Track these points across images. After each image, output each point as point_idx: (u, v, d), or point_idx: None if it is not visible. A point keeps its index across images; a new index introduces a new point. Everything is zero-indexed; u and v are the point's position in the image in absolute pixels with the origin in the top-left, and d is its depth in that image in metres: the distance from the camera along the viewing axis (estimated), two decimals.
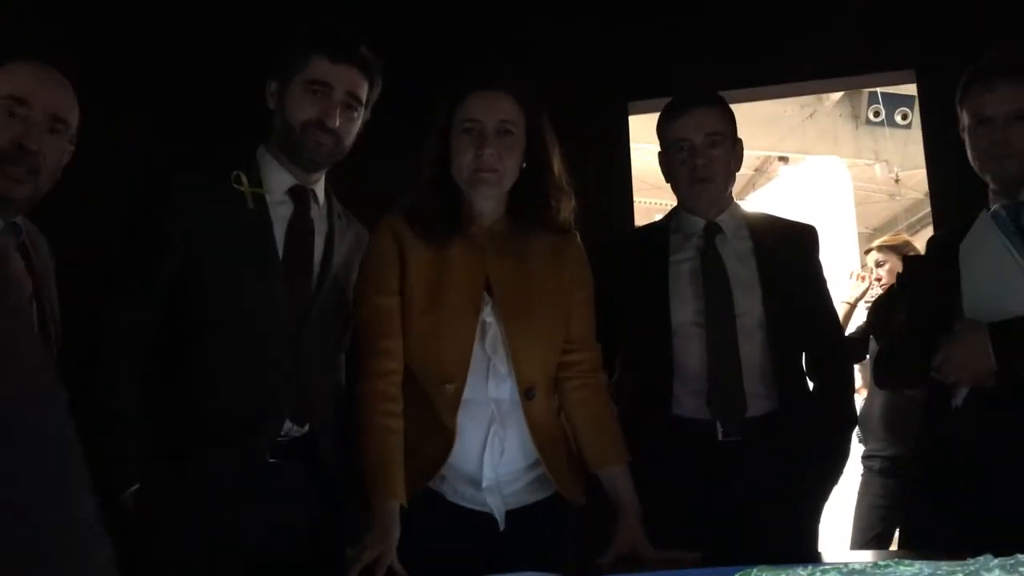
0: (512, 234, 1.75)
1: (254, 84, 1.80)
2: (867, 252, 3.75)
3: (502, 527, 1.70)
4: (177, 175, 1.69)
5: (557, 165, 1.76)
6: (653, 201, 7.69)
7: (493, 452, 1.69)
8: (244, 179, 1.69)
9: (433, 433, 1.67)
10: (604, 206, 3.22)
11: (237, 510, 1.57)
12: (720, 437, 1.88)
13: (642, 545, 1.66)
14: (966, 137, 1.87)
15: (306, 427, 1.66)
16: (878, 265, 3.58)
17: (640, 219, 3.76)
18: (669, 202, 2.06)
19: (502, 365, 1.70)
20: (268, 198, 1.71)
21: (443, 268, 1.70)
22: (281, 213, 1.71)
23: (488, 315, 1.70)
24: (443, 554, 1.59)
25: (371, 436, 1.62)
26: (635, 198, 3.58)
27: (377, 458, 1.60)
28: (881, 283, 3.55)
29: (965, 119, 1.87)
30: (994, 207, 1.82)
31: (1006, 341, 1.63)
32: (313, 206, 1.76)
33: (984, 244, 1.77)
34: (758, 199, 7.68)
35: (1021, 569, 1.06)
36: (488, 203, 1.75)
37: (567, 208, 1.77)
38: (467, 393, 1.67)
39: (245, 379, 1.61)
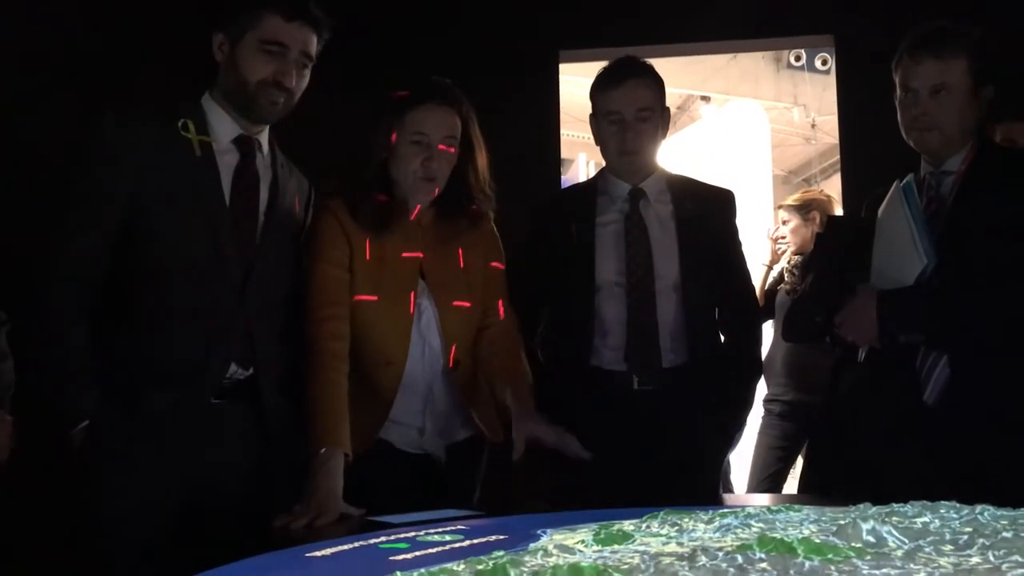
0: (439, 222, 1.93)
1: (196, 31, 1.82)
2: (778, 208, 3.89)
3: (444, 464, 1.91)
4: (123, 120, 1.70)
5: (483, 167, 1.94)
6: (576, 135, 7.75)
7: (428, 415, 1.90)
8: (191, 126, 1.72)
9: (373, 404, 1.84)
10: (533, 147, 3.32)
11: (182, 450, 1.63)
12: (635, 387, 2.03)
13: (537, 428, 1.80)
14: (896, 105, 1.97)
15: (250, 370, 1.73)
16: (783, 223, 3.73)
17: (565, 152, 3.86)
18: (591, 136, 2.17)
19: (435, 343, 1.89)
20: (214, 146, 1.74)
21: (381, 257, 1.86)
22: (227, 161, 1.75)
23: (423, 299, 1.88)
24: (386, 493, 1.70)
25: (322, 388, 1.74)
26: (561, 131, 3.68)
27: (326, 408, 1.72)
28: (785, 241, 3.69)
29: (896, 88, 1.96)
30: (908, 178, 1.94)
31: (887, 309, 1.78)
32: (258, 155, 1.80)
33: (893, 213, 1.89)
34: (680, 140, 7.81)
35: (894, 518, 1.20)
36: (424, 203, 1.91)
37: (488, 207, 1.96)
38: (406, 370, 1.86)
39: (192, 322, 1.67)
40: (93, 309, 1.67)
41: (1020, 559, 0.95)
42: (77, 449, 1.61)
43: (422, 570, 0.91)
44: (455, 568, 0.95)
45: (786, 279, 3.49)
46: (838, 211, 3.48)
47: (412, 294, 1.87)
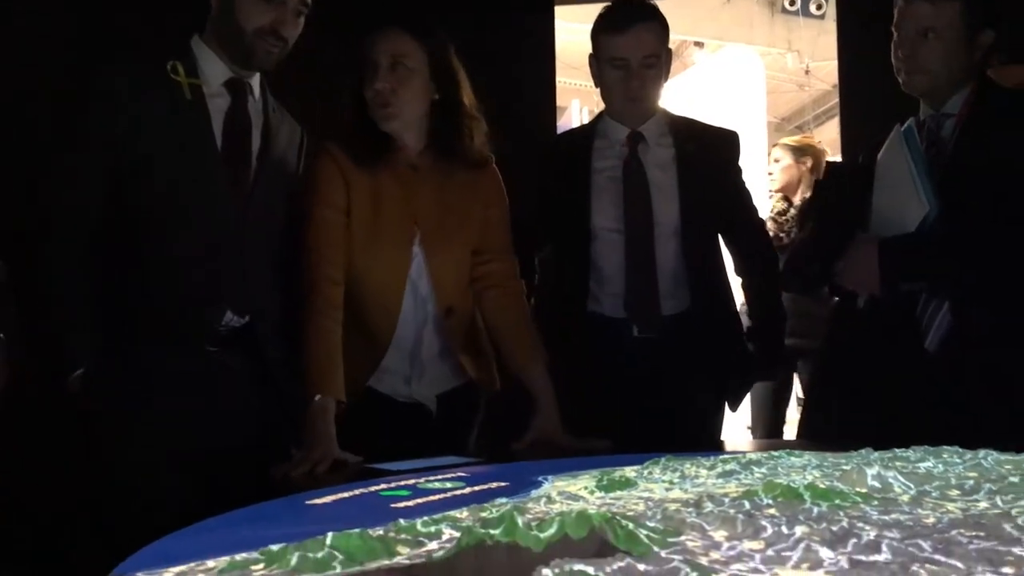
0: (435, 168, 1.86)
1: None
2: (774, 146, 3.88)
3: (435, 414, 1.89)
4: (112, 64, 1.65)
5: (467, 95, 1.86)
6: (570, 81, 7.66)
7: (415, 364, 1.88)
8: (181, 69, 1.67)
9: (367, 350, 1.82)
10: (528, 95, 3.27)
11: (178, 398, 1.62)
12: (635, 334, 2.01)
13: (556, 433, 1.80)
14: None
15: (246, 318, 1.71)
16: (775, 161, 3.71)
17: (559, 99, 3.82)
18: (585, 83, 2.14)
19: (424, 288, 1.86)
20: (204, 89, 1.70)
21: (377, 202, 1.82)
22: (218, 105, 1.71)
23: (417, 245, 1.85)
24: (377, 440, 1.68)
25: (315, 335, 1.71)
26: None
27: (320, 354, 1.70)
28: (772, 177, 3.68)
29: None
30: (908, 122, 1.91)
31: (888, 257, 1.76)
32: (250, 99, 1.76)
33: (894, 158, 1.86)
34: (674, 86, 7.74)
35: (897, 463, 1.20)
36: (407, 136, 1.84)
37: (479, 134, 1.87)
38: (400, 316, 1.84)
39: (187, 269, 1.64)
40: (89, 256, 1.64)
41: None
42: (74, 396, 1.59)
43: (425, 517, 0.90)
44: (458, 515, 0.94)
45: (769, 227, 3.49)
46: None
47: (408, 238, 1.84)
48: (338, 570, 0.76)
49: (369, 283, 1.82)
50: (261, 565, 0.78)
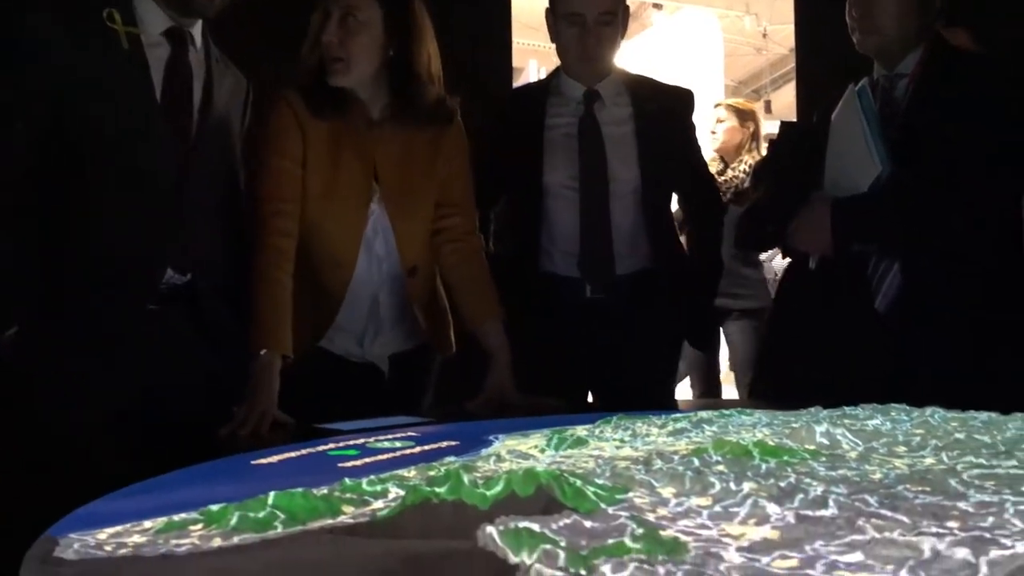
0: (397, 124, 1.81)
1: None
2: (716, 106, 3.88)
3: (387, 375, 1.86)
4: (43, 13, 1.58)
5: (426, 53, 1.80)
6: (527, 42, 7.59)
7: (370, 323, 1.85)
8: (117, 17, 1.60)
9: (319, 307, 1.78)
10: (484, 56, 3.23)
11: (118, 356, 1.57)
12: (588, 295, 2.00)
13: (509, 391, 1.79)
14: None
15: (188, 276, 1.66)
16: (719, 121, 3.72)
17: (515, 60, 3.77)
18: (543, 44, 2.11)
19: (381, 248, 1.82)
20: (143, 39, 1.63)
21: (336, 156, 1.77)
22: (157, 55, 1.64)
23: (375, 203, 1.80)
24: (328, 401, 1.66)
25: (265, 287, 1.67)
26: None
27: (267, 308, 1.66)
28: (714, 136, 3.70)
29: None
30: (862, 81, 1.90)
31: (840, 217, 1.76)
32: (191, 49, 1.69)
33: (847, 118, 1.85)
34: (631, 48, 7.70)
35: (846, 421, 1.21)
36: (363, 91, 1.79)
37: (432, 96, 1.82)
38: (355, 274, 1.80)
39: (125, 225, 1.58)
40: (18, 210, 1.58)
41: (973, 459, 0.96)
42: (7, 355, 1.54)
43: (372, 476, 0.88)
44: (406, 474, 0.92)
45: None
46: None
47: (366, 194, 1.79)
48: (280, 530, 0.74)
49: (323, 239, 1.78)
50: (200, 525, 0.76)
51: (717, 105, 3.86)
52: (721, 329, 3.53)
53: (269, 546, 0.70)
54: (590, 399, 2.10)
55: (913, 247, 1.73)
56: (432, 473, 0.87)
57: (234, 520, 0.75)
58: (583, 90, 2.06)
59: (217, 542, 0.71)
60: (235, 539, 0.72)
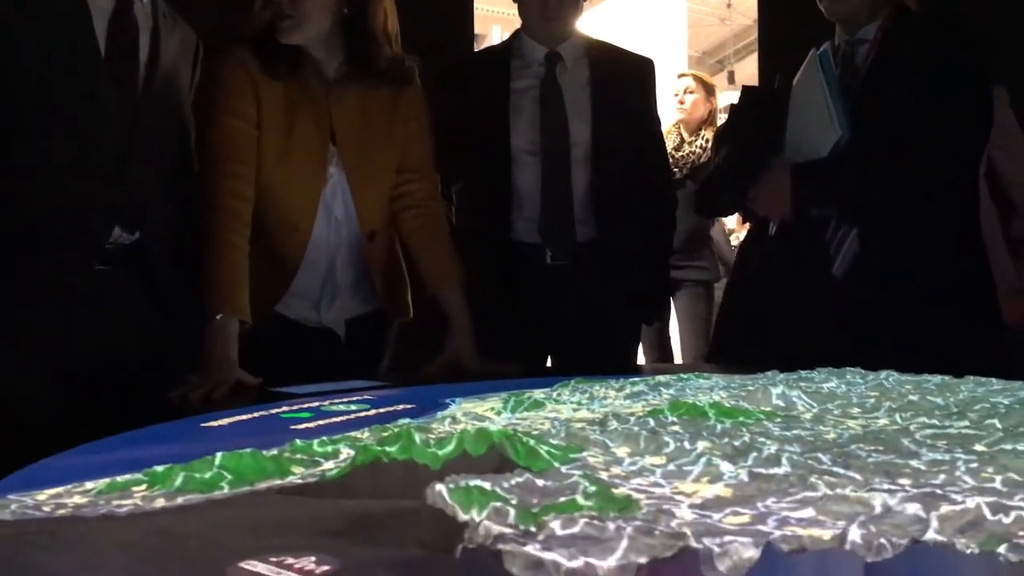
0: (353, 84, 1.78)
1: None
2: (679, 76, 3.86)
3: (343, 339, 1.84)
4: None
5: (380, 12, 1.77)
6: (490, 8, 7.52)
7: (327, 288, 1.83)
8: None
9: (275, 271, 1.75)
10: (446, 22, 3.17)
11: (64, 317, 1.52)
12: (549, 261, 1.99)
13: (467, 356, 1.78)
14: None
15: (136, 235, 1.61)
16: (688, 92, 3.70)
17: (478, 27, 3.72)
18: (506, 10, 2.07)
19: (340, 212, 1.79)
20: None
21: (291, 117, 1.73)
22: (100, 6, 1.58)
23: (334, 165, 1.77)
24: (284, 366, 1.64)
25: (220, 250, 1.64)
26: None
27: (223, 271, 1.63)
28: (682, 107, 3.69)
29: None
30: (824, 46, 1.89)
31: (799, 182, 1.76)
32: (136, 2, 1.64)
33: (808, 83, 1.84)
34: (595, 17, 7.65)
35: (802, 384, 1.21)
36: (317, 51, 1.75)
37: (388, 55, 1.78)
38: (311, 238, 1.76)
39: (70, 182, 1.52)
40: None
41: (926, 420, 0.96)
42: None
43: (324, 438, 0.87)
44: (358, 435, 0.91)
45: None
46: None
47: (322, 156, 1.76)
48: (226, 490, 0.73)
49: (279, 202, 1.75)
50: (143, 486, 0.74)
51: (682, 75, 3.85)
52: (672, 300, 3.55)
53: (215, 506, 0.69)
54: (549, 365, 2.10)
55: (871, 213, 1.73)
56: (385, 433, 0.86)
57: (179, 481, 0.73)
58: (544, 52, 2.04)
59: (160, 503, 0.69)
60: (179, 500, 0.70)
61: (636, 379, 1.34)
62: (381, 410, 1.17)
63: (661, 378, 1.37)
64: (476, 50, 3.34)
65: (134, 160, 1.58)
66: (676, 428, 0.88)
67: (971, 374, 1.25)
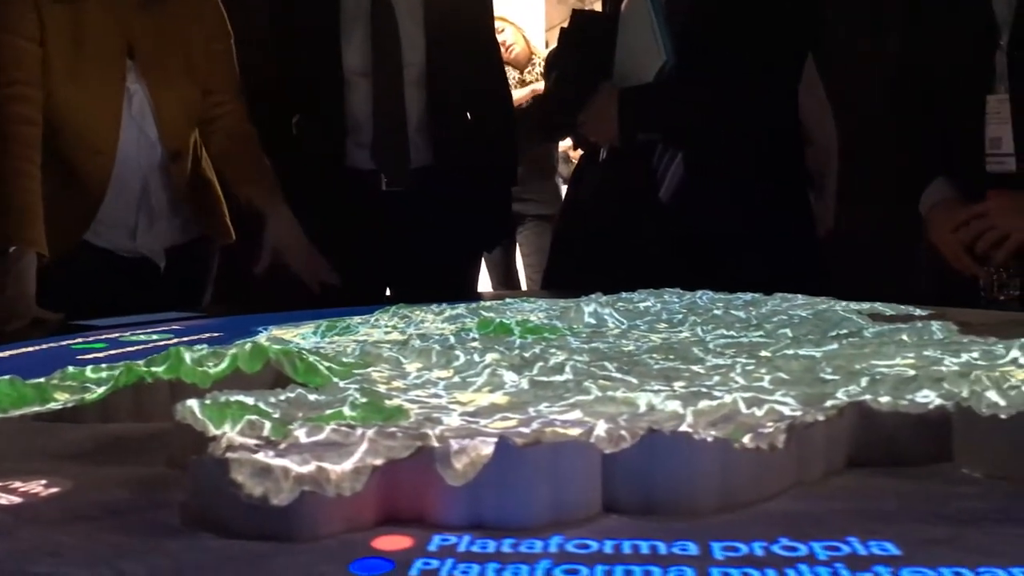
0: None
1: None
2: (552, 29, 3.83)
3: (162, 269, 1.76)
4: None
5: None
6: None
7: (142, 213, 1.73)
8: None
9: (79, 200, 1.65)
10: None
11: None
12: (384, 187, 1.93)
13: (291, 247, 1.76)
14: None
15: None
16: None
17: None
18: None
19: (151, 131, 1.70)
20: None
21: (79, 31, 1.61)
22: None
23: (132, 81, 1.66)
24: (96, 299, 1.54)
25: (10, 179, 1.52)
26: None
27: (16, 201, 1.51)
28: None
29: None
30: None
31: (625, 107, 1.76)
32: None
33: (635, 8, 1.82)
34: None
35: (619, 303, 1.22)
36: None
37: None
38: (118, 160, 1.66)
39: None
40: None
41: (725, 332, 0.98)
42: None
43: (100, 365, 0.81)
44: (139, 363, 0.85)
45: None
46: None
47: (119, 72, 1.65)
48: None
49: (74, 124, 1.63)
50: None
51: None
52: (516, 235, 3.56)
53: None
54: (389, 294, 2.05)
55: (695, 138, 1.75)
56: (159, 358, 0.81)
57: None
58: None
59: None
60: None
61: (459, 304, 1.32)
62: (184, 339, 1.11)
63: (484, 303, 1.36)
64: None
65: None
66: (475, 344, 0.87)
67: (789, 292, 1.28)
